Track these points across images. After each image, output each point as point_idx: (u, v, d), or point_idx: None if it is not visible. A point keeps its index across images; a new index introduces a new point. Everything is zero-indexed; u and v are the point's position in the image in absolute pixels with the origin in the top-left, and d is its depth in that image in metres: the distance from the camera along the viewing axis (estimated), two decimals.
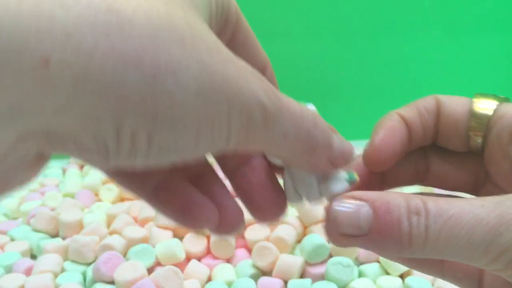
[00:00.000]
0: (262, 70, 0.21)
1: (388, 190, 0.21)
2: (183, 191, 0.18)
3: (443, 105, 0.21)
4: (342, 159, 0.19)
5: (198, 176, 0.19)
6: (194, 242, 0.36)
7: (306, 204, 0.20)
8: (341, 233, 0.16)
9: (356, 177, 0.20)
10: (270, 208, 0.20)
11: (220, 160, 0.19)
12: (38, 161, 0.14)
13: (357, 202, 0.16)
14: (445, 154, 0.21)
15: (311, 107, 0.20)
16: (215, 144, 0.15)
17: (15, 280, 0.33)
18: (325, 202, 0.19)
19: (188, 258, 0.35)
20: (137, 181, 0.18)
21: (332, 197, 0.18)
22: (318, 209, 0.37)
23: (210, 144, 0.14)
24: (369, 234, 0.16)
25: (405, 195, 0.16)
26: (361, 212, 0.16)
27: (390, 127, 0.21)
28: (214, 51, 0.14)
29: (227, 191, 0.19)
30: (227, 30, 0.19)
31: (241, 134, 0.15)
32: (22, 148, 0.13)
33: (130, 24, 0.12)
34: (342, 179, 0.20)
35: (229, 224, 0.19)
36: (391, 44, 0.71)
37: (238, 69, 0.15)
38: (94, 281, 0.33)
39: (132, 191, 0.18)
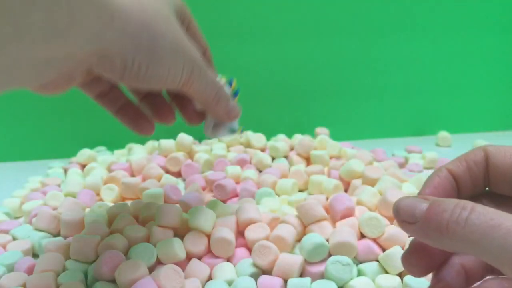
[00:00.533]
0: (204, 50, 0.37)
1: None
2: (138, 112, 0.35)
3: (492, 156, 0.23)
4: (233, 113, 0.35)
5: (154, 99, 0.36)
6: (194, 241, 0.36)
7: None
8: (400, 219, 0.21)
9: (237, 128, 0.36)
10: (192, 119, 0.37)
11: (174, 95, 0.36)
12: (79, 75, 0.28)
13: (419, 198, 0.21)
14: (498, 198, 0.22)
15: (222, 80, 0.36)
16: (174, 80, 0.29)
17: (17, 279, 0.33)
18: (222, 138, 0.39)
19: (189, 257, 0.36)
20: (110, 102, 0.35)
21: (218, 137, 0.36)
22: (317, 209, 0.37)
23: (172, 80, 0.28)
24: (419, 222, 0.20)
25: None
26: (417, 206, 0.20)
27: (437, 184, 0.23)
28: (180, 31, 0.29)
29: (169, 105, 0.36)
30: (184, 24, 0.33)
31: (186, 78, 0.29)
32: (87, 60, 0.25)
33: (142, 10, 0.26)
34: (227, 128, 0.36)
35: (165, 117, 0.36)
36: (391, 45, 0.71)
37: (189, 43, 0.29)
38: (96, 279, 0.33)
39: (106, 108, 0.35)
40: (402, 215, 0.21)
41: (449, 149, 0.69)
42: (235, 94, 0.38)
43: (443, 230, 0.19)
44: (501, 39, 0.74)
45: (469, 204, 0.19)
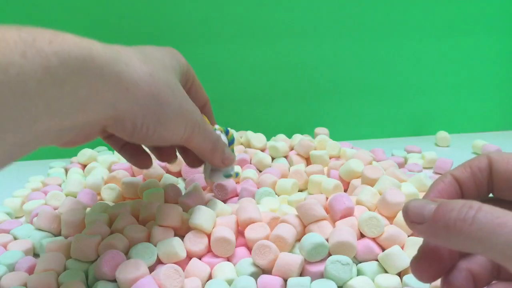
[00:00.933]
0: (205, 103, 0.42)
1: None
2: (139, 149, 0.40)
3: (495, 163, 0.24)
4: (228, 161, 0.40)
5: (132, 149, 0.40)
6: (195, 241, 0.36)
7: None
8: (409, 220, 0.21)
9: (231, 173, 0.41)
10: (193, 164, 0.41)
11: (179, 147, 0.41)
12: (95, 134, 0.33)
13: (427, 200, 0.21)
14: (502, 204, 0.23)
15: (220, 133, 0.41)
16: (177, 138, 0.34)
17: (18, 278, 0.33)
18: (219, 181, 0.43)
19: (189, 257, 0.36)
20: (114, 142, 0.39)
21: (215, 181, 0.43)
22: (317, 209, 0.37)
23: (176, 138, 0.34)
24: (427, 222, 0.20)
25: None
26: (426, 207, 0.21)
27: (441, 189, 0.24)
28: (184, 96, 0.34)
29: (146, 153, 0.41)
30: (188, 84, 0.39)
31: (187, 136, 0.34)
32: (103, 123, 0.29)
33: (152, 81, 0.30)
34: (223, 173, 0.40)
35: (165, 158, 0.41)
36: (390, 45, 0.71)
37: (192, 106, 0.34)
38: (96, 279, 0.33)
39: (111, 146, 0.39)
40: (411, 216, 0.21)
41: (448, 149, 0.69)
42: (230, 142, 0.42)
43: (451, 228, 0.19)
44: (500, 39, 0.74)
45: (476, 203, 0.19)
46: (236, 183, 0.48)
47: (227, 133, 0.42)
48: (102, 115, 0.28)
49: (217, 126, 0.42)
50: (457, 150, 0.67)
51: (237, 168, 0.50)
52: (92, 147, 0.61)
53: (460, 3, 0.71)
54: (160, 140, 0.33)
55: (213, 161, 0.39)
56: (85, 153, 0.56)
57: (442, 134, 0.70)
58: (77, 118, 0.26)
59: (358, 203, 0.41)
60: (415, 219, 0.21)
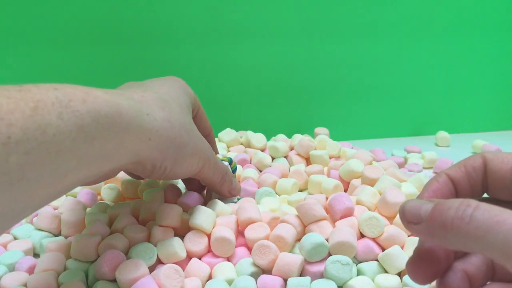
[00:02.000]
0: (209, 132, 0.44)
1: None
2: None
3: (490, 162, 0.24)
4: (234, 191, 0.43)
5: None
6: (195, 241, 0.36)
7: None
8: (406, 220, 0.21)
9: (235, 201, 0.43)
10: (196, 190, 0.43)
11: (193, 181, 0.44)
12: (115, 175, 0.36)
13: (424, 200, 0.21)
14: (497, 203, 0.23)
15: (226, 163, 0.44)
16: (190, 174, 0.37)
17: (18, 278, 0.33)
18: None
19: (189, 257, 0.36)
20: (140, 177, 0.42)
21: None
22: (317, 209, 0.37)
23: (188, 173, 0.37)
24: (424, 222, 0.20)
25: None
26: (422, 206, 0.21)
27: (436, 188, 0.24)
28: (198, 136, 0.37)
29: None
30: (194, 113, 0.41)
31: (198, 171, 0.37)
32: (124, 167, 0.32)
33: (170, 127, 0.33)
34: (228, 201, 0.43)
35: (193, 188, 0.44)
36: (390, 45, 0.71)
37: (204, 143, 0.38)
38: (96, 279, 0.33)
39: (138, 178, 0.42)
40: (407, 216, 0.21)
41: (448, 149, 0.69)
42: (233, 171, 0.45)
43: (448, 227, 0.19)
44: (500, 39, 0.75)
45: (473, 201, 0.19)
46: None
47: (230, 162, 0.44)
48: (126, 162, 0.30)
49: (220, 156, 0.44)
50: (457, 150, 0.67)
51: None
52: None
53: (460, 3, 0.71)
54: (174, 177, 0.36)
55: (221, 192, 0.42)
56: None
57: (442, 134, 0.70)
58: (103, 168, 0.28)
59: (358, 203, 0.41)
60: (412, 220, 0.21)
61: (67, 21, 0.60)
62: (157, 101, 0.33)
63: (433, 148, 0.68)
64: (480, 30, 0.73)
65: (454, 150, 0.68)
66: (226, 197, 0.43)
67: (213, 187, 0.41)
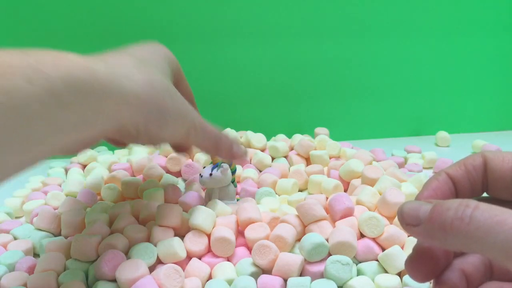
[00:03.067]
0: (191, 100, 0.42)
1: None
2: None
3: (490, 161, 0.23)
4: (237, 156, 0.41)
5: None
6: (195, 241, 0.36)
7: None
8: (405, 222, 0.21)
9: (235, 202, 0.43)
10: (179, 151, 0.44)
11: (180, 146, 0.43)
12: (96, 142, 0.34)
13: (422, 202, 0.21)
14: (497, 203, 0.22)
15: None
16: (177, 139, 0.36)
17: (18, 278, 0.33)
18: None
19: (189, 257, 0.36)
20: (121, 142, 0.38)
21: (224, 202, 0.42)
22: (317, 209, 0.37)
23: (176, 138, 0.36)
24: (423, 223, 0.20)
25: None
26: (421, 208, 0.20)
27: (435, 187, 0.24)
28: (180, 100, 0.35)
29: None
30: (176, 79, 0.39)
31: (185, 135, 0.35)
32: (106, 134, 0.31)
33: (151, 90, 0.31)
34: (230, 202, 0.42)
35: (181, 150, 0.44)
36: (390, 45, 0.71)
37: (188, 107, 0.35)
38: (96, 279, 0.33)
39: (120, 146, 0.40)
40: (406, 218, 0.21)
41: (448, 149, 0.69)
42: (233, 171, 0.44)
43: (447, 228, 0.19)
44: (500, 39, 0.75)
45: (473, 202, 0.19)
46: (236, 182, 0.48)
47: (229, 164, 0.43)
48: (107, 128, 0.29)
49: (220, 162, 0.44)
50: (457, 150, 0.67)
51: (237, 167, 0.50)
52: (92, 147, 0.61)
53: (460, 3, 0.71)
54: (161, 141, 0.35)
55: (220, 156, 0.41)
56: (85, 153, 0.56)
57: (442, 134, 0.70)
58: (82, 135, 0.27)
59: (358, 203, 0.41)
60: (410, 221, 0.20)
61: (67, 21, 0.60)
62: (136, 64, 0.31)
63: (433, 148, 0.68)
64: (480, 30, 0.73)
65: (454, 150, 0.68)
66: (224, 199, 0.42)
67: (209, 153, 0.41)
